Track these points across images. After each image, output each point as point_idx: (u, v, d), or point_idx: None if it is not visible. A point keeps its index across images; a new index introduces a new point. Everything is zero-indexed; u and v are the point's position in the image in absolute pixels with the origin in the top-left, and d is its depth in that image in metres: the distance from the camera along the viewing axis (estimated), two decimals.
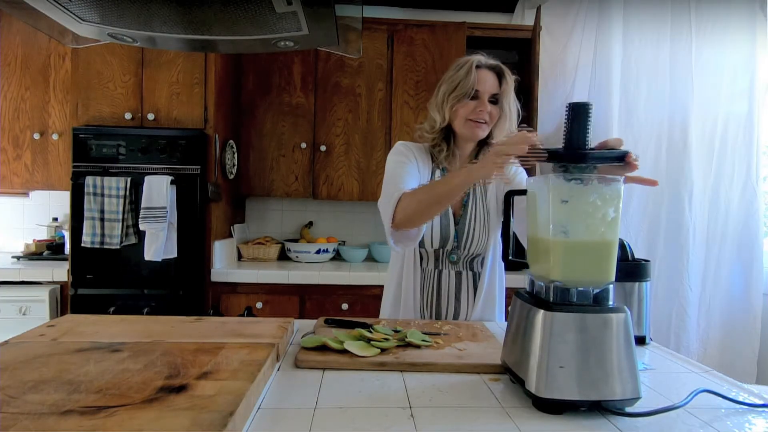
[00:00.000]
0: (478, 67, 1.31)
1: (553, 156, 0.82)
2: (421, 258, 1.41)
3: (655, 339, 1.24)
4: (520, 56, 3.09)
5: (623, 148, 0.84)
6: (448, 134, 1.40)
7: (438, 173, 1.42)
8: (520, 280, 2.51)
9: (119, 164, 2.37)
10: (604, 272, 0.80)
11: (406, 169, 1.35)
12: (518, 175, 1.43)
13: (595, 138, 0.82)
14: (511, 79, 1.34)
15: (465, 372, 0.94)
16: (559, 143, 0.82)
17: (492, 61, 1.35)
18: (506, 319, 0.95)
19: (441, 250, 1.39)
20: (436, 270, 1.41)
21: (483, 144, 1.41)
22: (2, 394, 0.68)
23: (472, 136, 1.35)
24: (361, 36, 1.22)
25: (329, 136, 2.81)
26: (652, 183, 0.92)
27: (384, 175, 1.39)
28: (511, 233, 0.95)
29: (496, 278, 1.44)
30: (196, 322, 1.12)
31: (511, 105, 1.35)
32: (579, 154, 0.80)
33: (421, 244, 1.38)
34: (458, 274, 1.41)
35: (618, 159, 0.82)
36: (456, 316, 1.41)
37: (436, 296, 1.41)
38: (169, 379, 0.75)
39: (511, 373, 0.87)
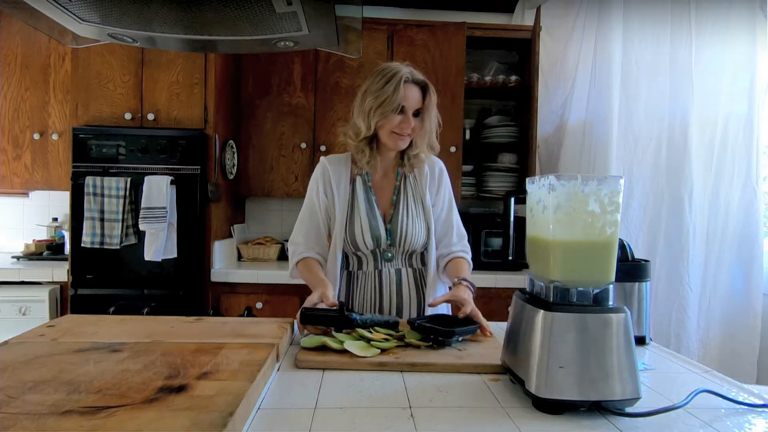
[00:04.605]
0: (405, 81, 1.34)
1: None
2: (360, 261, 1.45)
3: (655, 339, 1.24)
4: (520, 56, 3.09)
5: None
6: (371, 141, 1.43)
7: (359, 180, 1.45)
8: (521, 280, 2.51)
9: (119, 164, 2.37)
10: (604, 272, 0.80)
11: (311, 210, 1.48)
12: (444, 175, 1.50)
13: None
14: (434, 95, 1.39)
15: (465, 372, 0.94)
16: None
17: (419, 77, 1.38)
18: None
19: (377, 250, 1.42)
20: (376, 270, 1.44)
21: (404, 153, 1.45)
22: (2, 394, 0.68)
23: (395, 147, 1.41)
24: (361, 36, 1.23)
25: (329, 136, 2.81)
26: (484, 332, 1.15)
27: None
28: (511, 233, 0.96)
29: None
30: (196, 322, 1.12)
31: (432, 119, 1.41)
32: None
33: (357, 248, 1.41)
34: (398, 272, 1.44)
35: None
36: (399, 312, 1.43)
37: (378, 294, 1.43)
38: (169, 379, 0.75)
39: (511, 373, 0.87)
